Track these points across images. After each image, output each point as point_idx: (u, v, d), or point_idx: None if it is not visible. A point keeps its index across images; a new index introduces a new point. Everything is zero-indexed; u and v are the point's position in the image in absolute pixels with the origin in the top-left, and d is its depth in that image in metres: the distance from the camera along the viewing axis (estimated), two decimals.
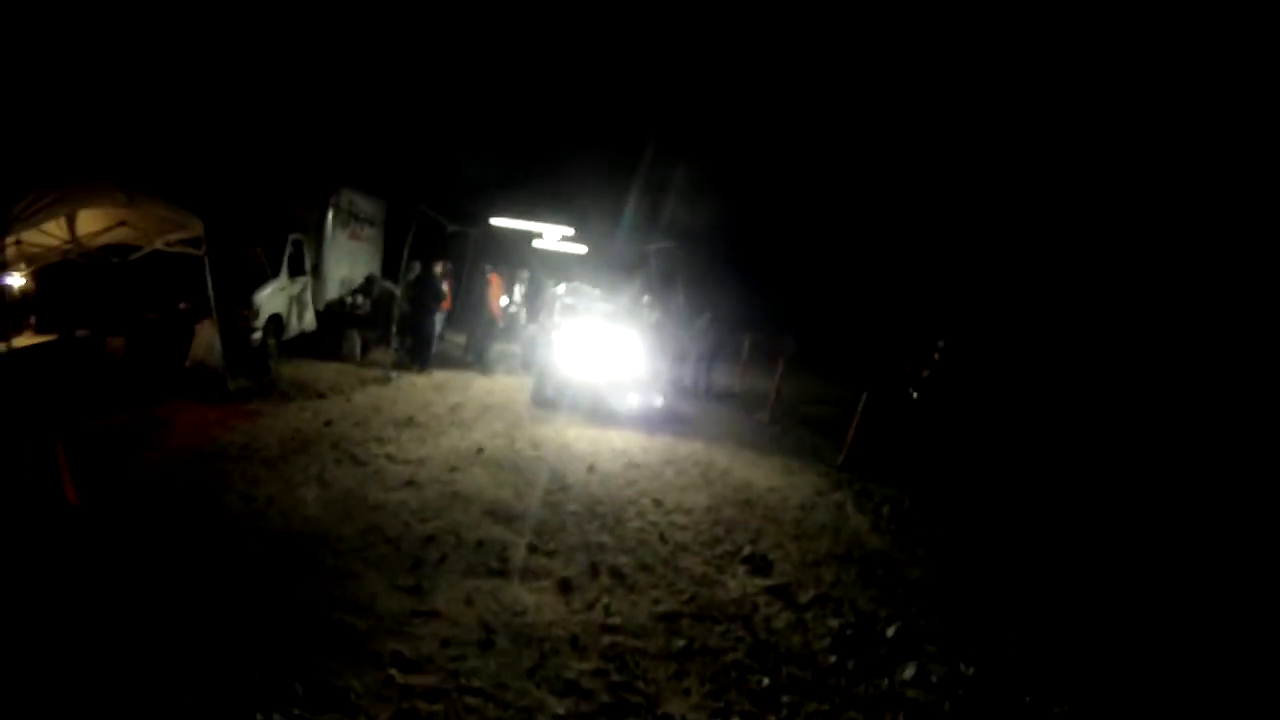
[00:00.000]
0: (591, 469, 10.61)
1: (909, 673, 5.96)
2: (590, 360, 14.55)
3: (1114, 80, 16.06)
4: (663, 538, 8.21)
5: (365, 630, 5.42)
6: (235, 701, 4.46)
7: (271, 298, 14.68)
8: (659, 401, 14.84)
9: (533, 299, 24.03)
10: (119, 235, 11.12)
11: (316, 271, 16.95)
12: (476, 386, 15.81)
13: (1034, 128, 17.86)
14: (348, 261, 18.94)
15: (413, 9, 20.68)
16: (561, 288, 19.36)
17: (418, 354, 17.11)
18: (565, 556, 7.34)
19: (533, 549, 7.43)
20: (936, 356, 17.01)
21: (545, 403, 14.37)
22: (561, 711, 4.79)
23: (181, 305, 12.20)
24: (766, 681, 5.52)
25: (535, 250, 29.21)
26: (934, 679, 5.90)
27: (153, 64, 18.30)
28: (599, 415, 13.37)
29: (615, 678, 5.27)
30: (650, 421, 13.62)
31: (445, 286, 18.12)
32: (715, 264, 24.88)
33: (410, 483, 8.96)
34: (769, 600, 6.97)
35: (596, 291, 20.85)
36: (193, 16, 18.06)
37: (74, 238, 10.54)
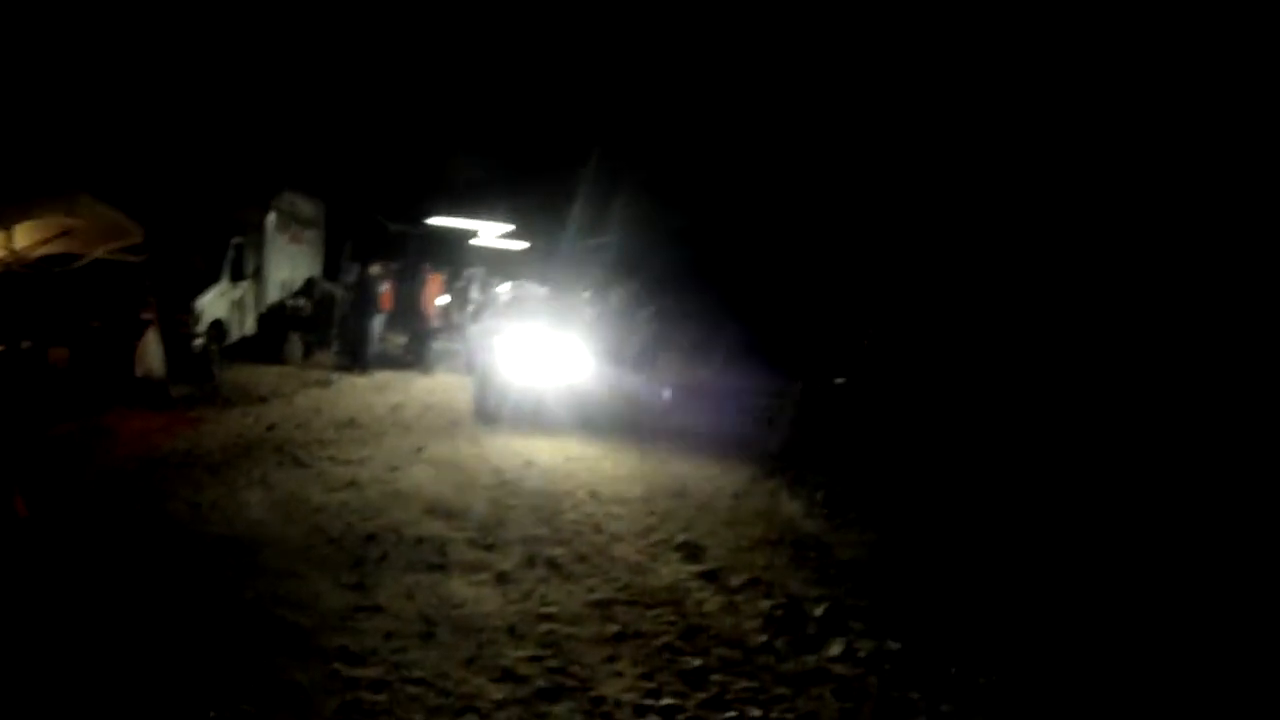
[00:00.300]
0: (529, 464, 10.77)
1: (836, 649, 6.13)
2: (535, 365, 13.69)
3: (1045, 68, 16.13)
4: (598, 528, 8.41)
5: (311, 627, 5.57)
6: (188, 700, 4.59)
7: (213, 303, 14.69)
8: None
9: (474, 298, 24.07)
10: (60, 245, 11.12)
11: (258, 275, 16.91)
12: (418, 386, 15.93)
13: (961, 113, 17.87)
14: (288, 264, 18.89)
15: (348, 9, 20.58)
16: (505, 287, 19.03)
17: (357, 355, 17.18)
18: (503, 550, 7.50)
19: (471, 543, 7.60)
20: (866, 343, 17.22)
21: (489, 415, 13.33)
22: (500, 697, 4.96)
23: (144, 314, 12.18)
24: (697, 662, 5.70)
25: (479, 249, 29.22)
26: (861, 654, 6.08)
27: (88, 68, 18.11)
28: (541, 413, 13.47)
29: (551, 663, 5.45)
30: (588, 419, 13.63)
31: (385, 287, 18.18)
32: (661, 258, 24.80)
33: (352, 483, 9.10)
34: (701, 585, 7.16)
35: (541, 290, 20.56)
36: (128, 19, 17.87)
37: (13, 249, 10.55)
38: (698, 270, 24.17)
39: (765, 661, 5.88)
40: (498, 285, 23.15)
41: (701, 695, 5.30)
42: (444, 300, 21.13)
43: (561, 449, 11.81)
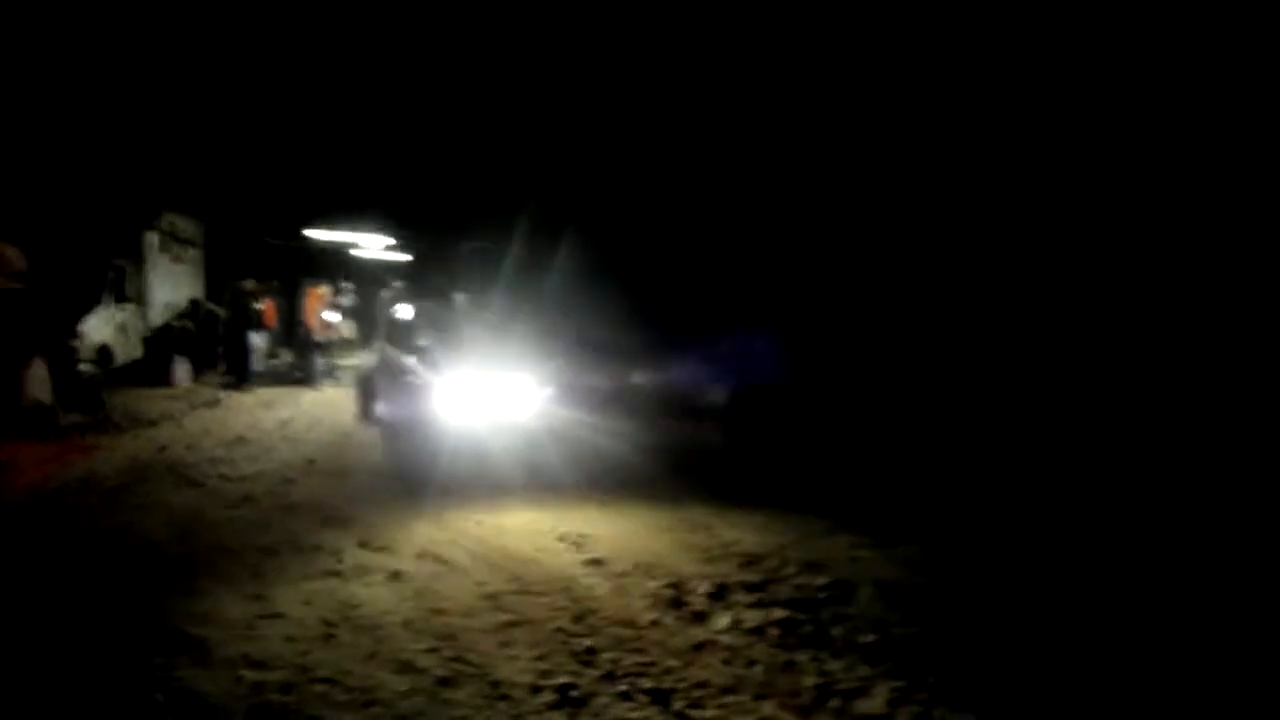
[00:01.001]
0: (423, 469, 10.77)
1: (723, 622, 6.39)
2: (478, 402, 10.97)
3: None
4: (489, 526, 8.64)
5: (216, 639, 5.70)
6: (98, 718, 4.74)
7: (98, 327, 14.50)
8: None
9: (363, 313, 23.84)
10: None
11: (141, 297, 16.72)
12: (305, 401, 15.94)
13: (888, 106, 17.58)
14: (171, 285, 18.68)
15: (226, 25, 20.26)
16: (407, 309, 15.39)
17: (238, 372, 17.07)
18: (394, 551, 7.70)
19: (363, 546, 7.79)
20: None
21: (419, 476, 10.32)
22: (402, 688, 5.15)
23: (71, 342, 11.93)
24: (588, 642, 5.92)
25: (364, 261, 28.90)
26: (746, 626, 6.32)
27: None
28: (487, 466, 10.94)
29: (447, 653, 5.65)
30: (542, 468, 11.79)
31: (264, 304, 18.10)
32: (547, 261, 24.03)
33: (246, 498, 9.20)
34: (589, 572, 7.40)
35: (455, 305, 18.33)
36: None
37: None
38: (600, 267, 22.90)
39: (655, 637, 6.09)
40: (396, 305, 22.48)
41: (595, 672, 5.51)
42: (334, 316, 20.98)
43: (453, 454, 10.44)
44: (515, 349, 12.37)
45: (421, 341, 12.24)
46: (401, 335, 13.48)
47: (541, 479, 10.47)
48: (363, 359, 19.05)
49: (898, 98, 17.33)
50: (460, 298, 18.26)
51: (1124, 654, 6.04)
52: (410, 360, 11.98)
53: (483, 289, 23.03)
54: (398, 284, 24.50)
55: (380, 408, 13.42)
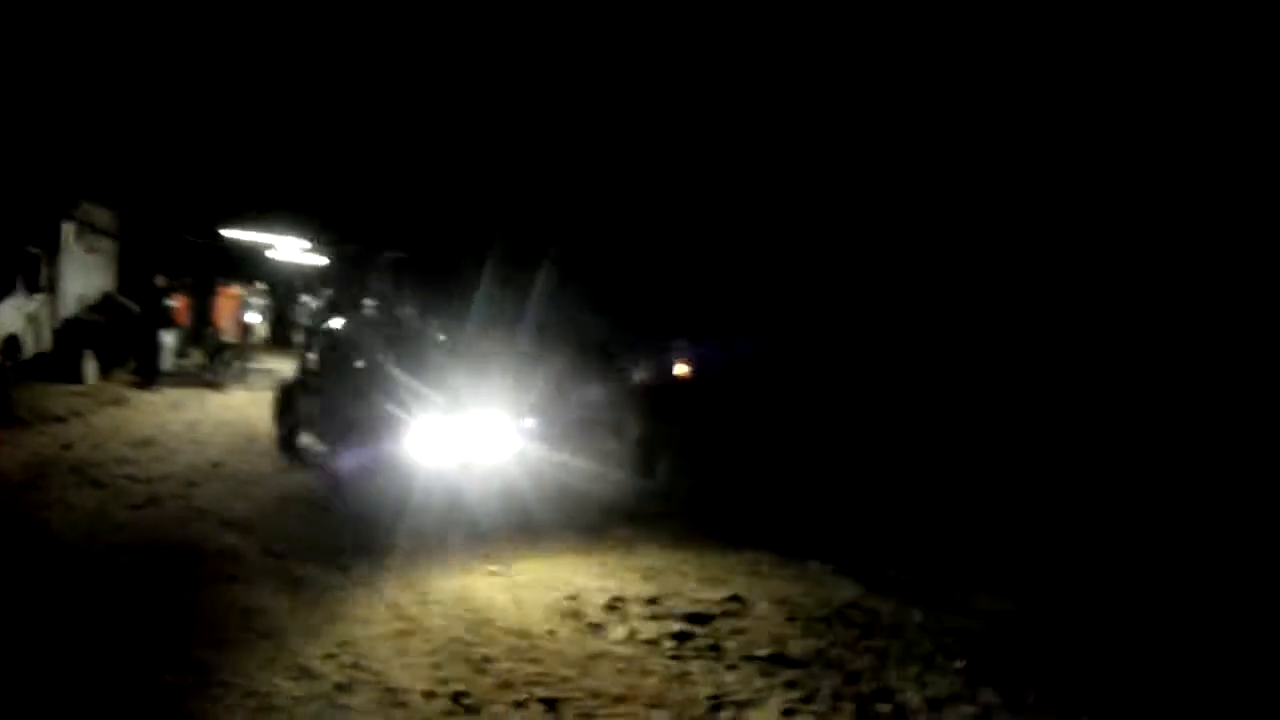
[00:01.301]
0: (328, 476, 10.85)
1: (619, 632, 6.62)
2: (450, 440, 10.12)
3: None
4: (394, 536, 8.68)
5: (115, 643, 5.75)
6: None
7: (9, 316, 14.28)
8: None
9: (279, 316, 23.59)
10: None
11: (52, 288, 16.42)
12: (213, 403, 15.87)
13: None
14: (84, 277, 18.25)
15: (153, 15, 20.01)
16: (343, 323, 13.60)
17: (148, 371, 16.91)
18: (297, 558, 7.82)
19: (266, 552, 7.91)
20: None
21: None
22: (299, 694, 5.26)
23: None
24: (484, 652, 6.07)
25: (280, 264, 28.54)
26: (642, 637, 6.54)
27: None
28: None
29: (345, 659, 5.78)
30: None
31: (177, 301, 17.96)
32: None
33: (151, 500, 9.24)
34: (490, 583, 7.59)
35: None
36: None
37: None
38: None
39: (551, 647, 6.27)
40: (325, 309, 21.98)
41: (490, 680, 5.67)
42: (252, 318, 20.72)
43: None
44: (486, 378, 11.82)
45: (370, 367, 11.09)
46: (339, 356, 11.75)
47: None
48: (277, 365, 18.91)
49: (838, 105, 17.48)
50: (409, 312, 18.03)
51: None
52: (358, 387, 10.90)
53: (400, 299, 22.94)
54: (327, 291, 24.26)
55: (312, 439, 12.03)
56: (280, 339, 26.54)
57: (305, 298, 26.72)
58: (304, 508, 9.63)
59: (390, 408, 10.19)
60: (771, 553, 8.94)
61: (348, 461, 10.35)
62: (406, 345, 12.18)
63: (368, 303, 20.84)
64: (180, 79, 22.70)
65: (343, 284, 28.09)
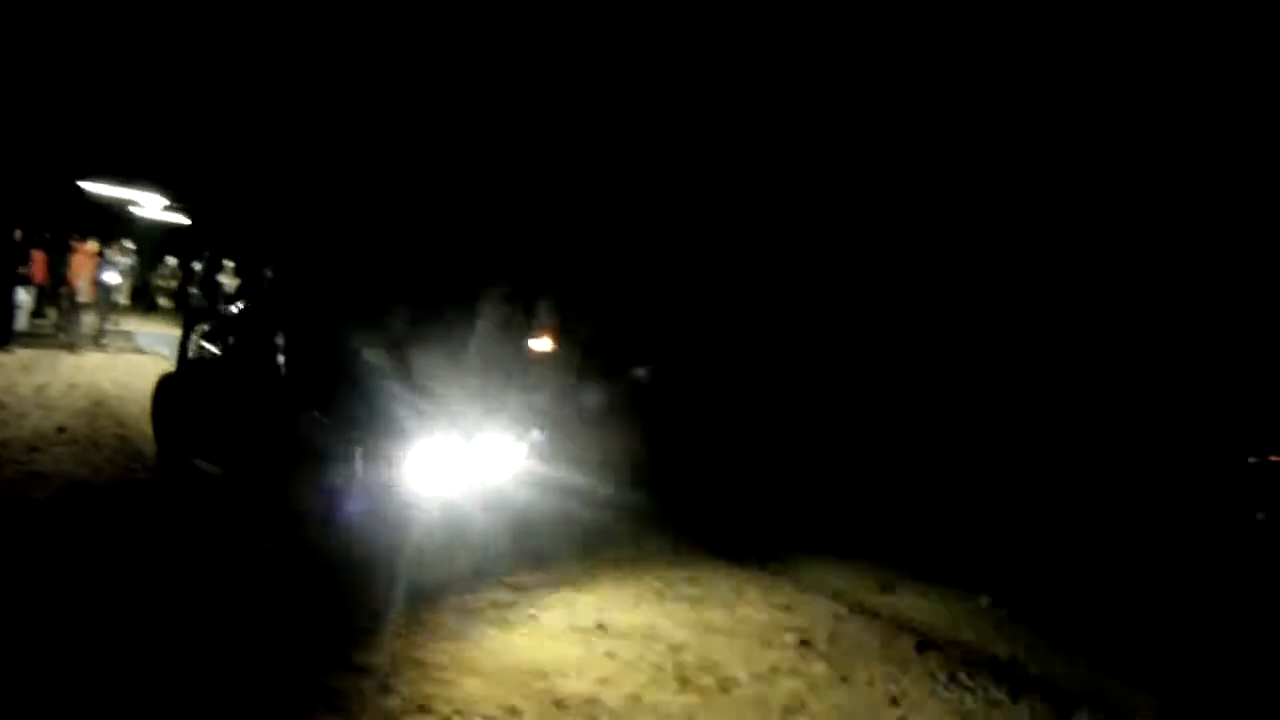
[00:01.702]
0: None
1: None
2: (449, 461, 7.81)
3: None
4: None
5: None
6: None
7: None
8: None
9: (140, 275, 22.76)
10: None
11: None
12: (65, 365, 15.38)
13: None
14: None
15: None
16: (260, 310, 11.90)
17: (1, 332, 16.31)
18: None
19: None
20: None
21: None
22: None
23: None
24: None
25: (145, 221, 27.58)
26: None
27: None
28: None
29: None
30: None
31: (35, 257, 17.35)
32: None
33: None
34: None
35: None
36: None
37: None
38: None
39: None
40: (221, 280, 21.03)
41: None
42: (113, 278, 19.90)
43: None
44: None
45: (306, 369, 8.67)
46: (256, 348, 9.04)
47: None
48: (138, 328, 18.40)
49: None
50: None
51: None
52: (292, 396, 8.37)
53: (263, 262, 22.38)
54: (224, 259, 23.05)
55: (212, 466, 9.08)
56: (144, 301, 25.80)
57: (171, 259, 25.96)
58: (150, 472, 9.45)
59: (370, 428, 7.88)
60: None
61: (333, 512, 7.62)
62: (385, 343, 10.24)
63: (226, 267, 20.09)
64: (37, 18, 21.53)
65: (213, 248, 27.21)
